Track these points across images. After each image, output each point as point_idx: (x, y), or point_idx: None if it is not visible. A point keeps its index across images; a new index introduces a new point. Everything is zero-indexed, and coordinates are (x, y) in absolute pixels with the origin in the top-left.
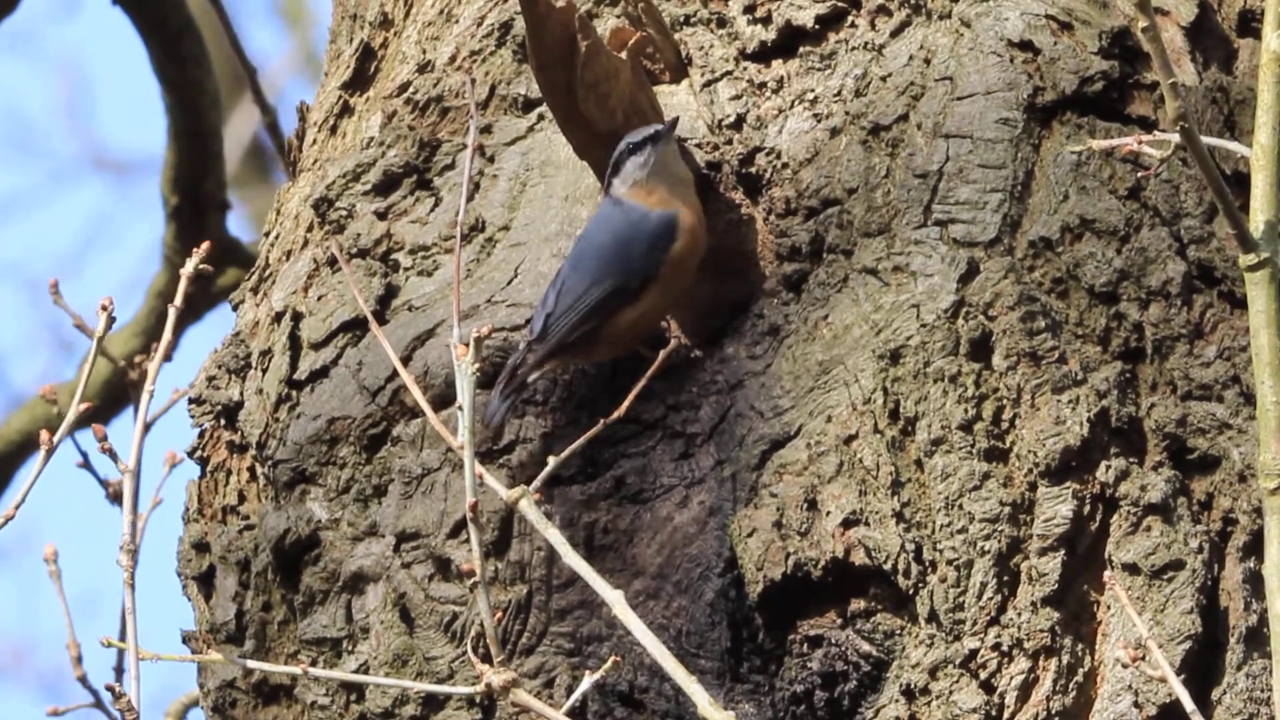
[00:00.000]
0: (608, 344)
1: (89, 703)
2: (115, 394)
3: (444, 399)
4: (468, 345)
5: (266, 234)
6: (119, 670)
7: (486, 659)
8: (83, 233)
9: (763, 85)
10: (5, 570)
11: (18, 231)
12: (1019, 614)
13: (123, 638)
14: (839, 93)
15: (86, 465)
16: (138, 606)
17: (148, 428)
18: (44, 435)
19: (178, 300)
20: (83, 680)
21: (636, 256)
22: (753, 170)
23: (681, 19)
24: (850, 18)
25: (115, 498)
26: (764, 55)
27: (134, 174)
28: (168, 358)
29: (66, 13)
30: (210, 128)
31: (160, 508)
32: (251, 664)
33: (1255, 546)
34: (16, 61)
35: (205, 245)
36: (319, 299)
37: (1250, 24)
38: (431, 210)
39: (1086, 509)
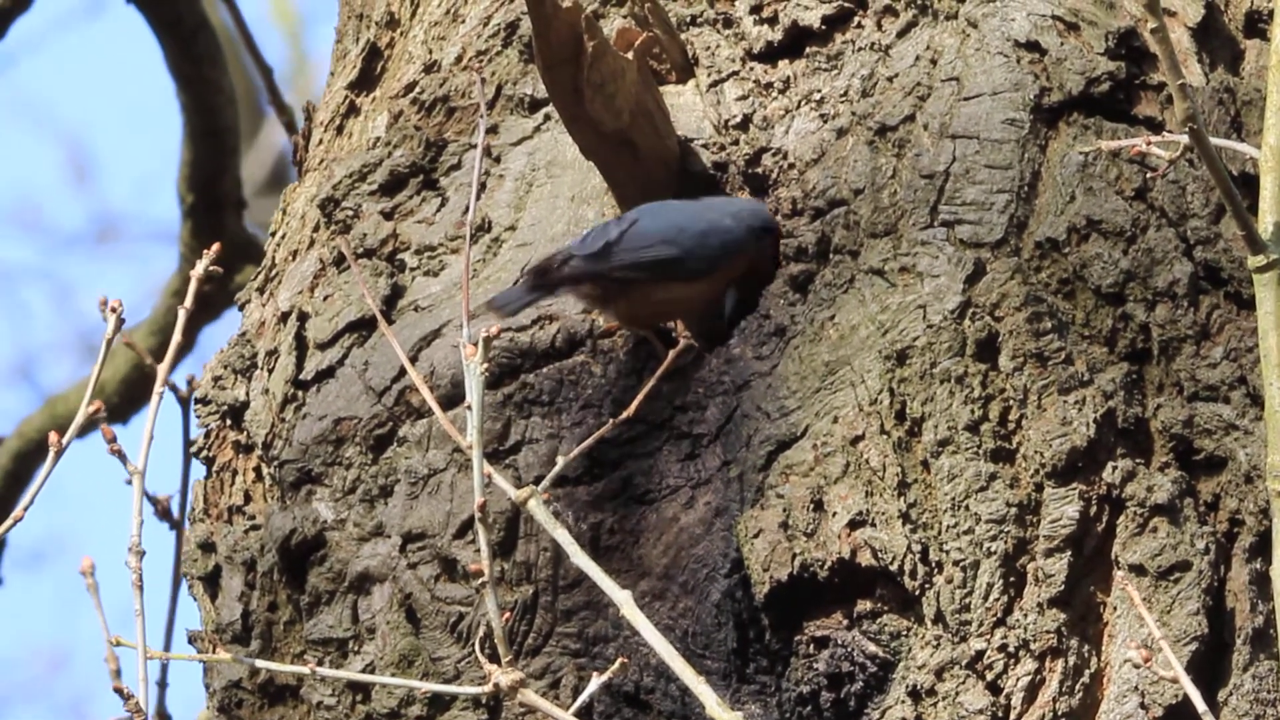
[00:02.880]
0: (630, 306)
1: (125, 717)
2: (135, 392)
3: (450, 399)
4: (476, 345)
5: (273, 234)
6: (161, 684)
7: (493, 659)
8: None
9: (769, 85)
10: (44, 579)
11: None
12: (1025, 615)
13: (167, 646)
14: (845, 93)
15: (144, 495)
16: (174, 620)
17: (193, 450)
18: (53, 436)
19: (188, 301)
20: (120, 692)
21: (714, 244)
22: (759, 171)
23: (688, 19)
24: (857, 18)
25: (164, 514)
26: (770, 55)
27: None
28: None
29: (89, 14)
30: (226, 126)
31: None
32: (258, 663)
33: (1262, 548)
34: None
35: (216, 246)
36: (325, 299)
37: (1257, 25)
38: (438, 210)
39: (1093, 510)
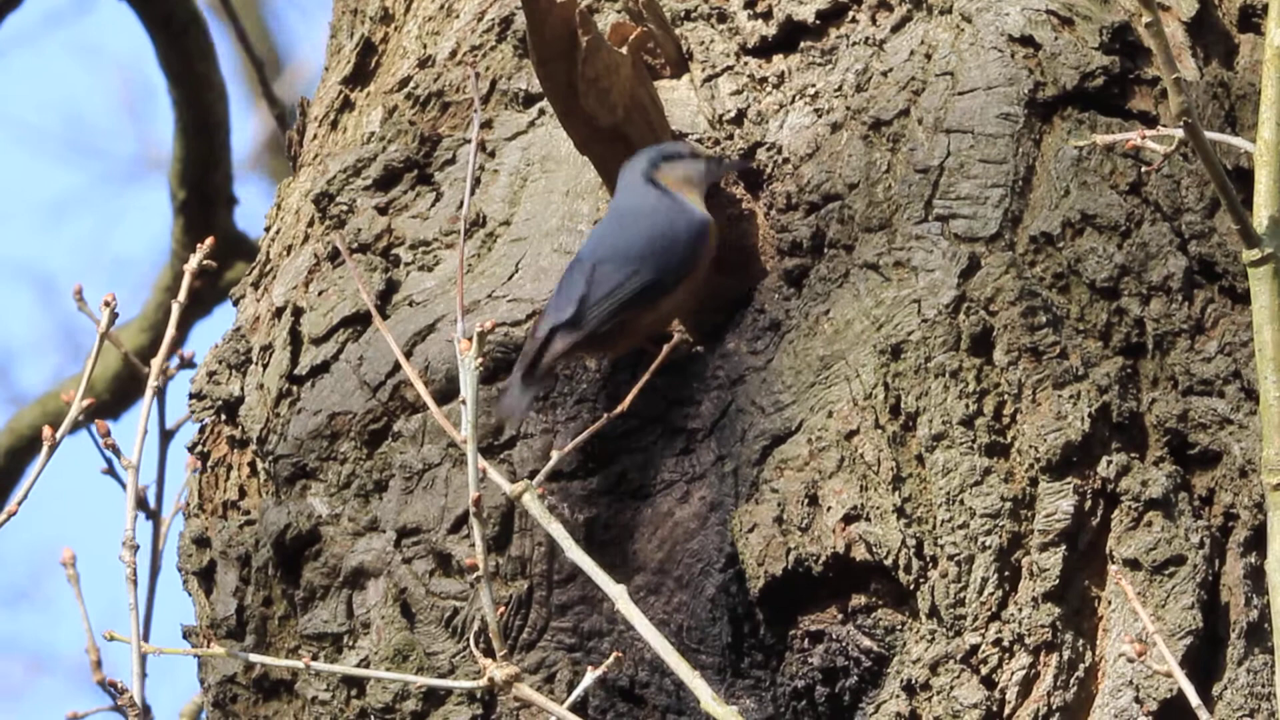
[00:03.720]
0: (631, 336)
1: (108, 706)
2: (124, 388)
3: (444, 394)
4: (471, 340)
5: (267, 229)
6: (140, 675)
7: (488, 654)
8: (93, 229)
9: (764, 80)
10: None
11: (28, 230)
12: (1020, 609)
13: (146, 636)
14: (840, 88)
15: (112, 472)
16: (151, 609)
17: (169, 435)
18: (46, 431)
19: (181, 296)
20: (103, 684)
21: (679, 252)
22: (753, 165)
23: (682, 14)
24: (851, 13)
25: (140, 504)
26: (765, 50)
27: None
28: (184, 362)
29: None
30: (217, 121)
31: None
32: (253, 658)
33: (1256, 541)
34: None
35: (209, 241)
36: (320, 294)
37: (1251, 19)
38: (432, 205)
39: (1088, 504)
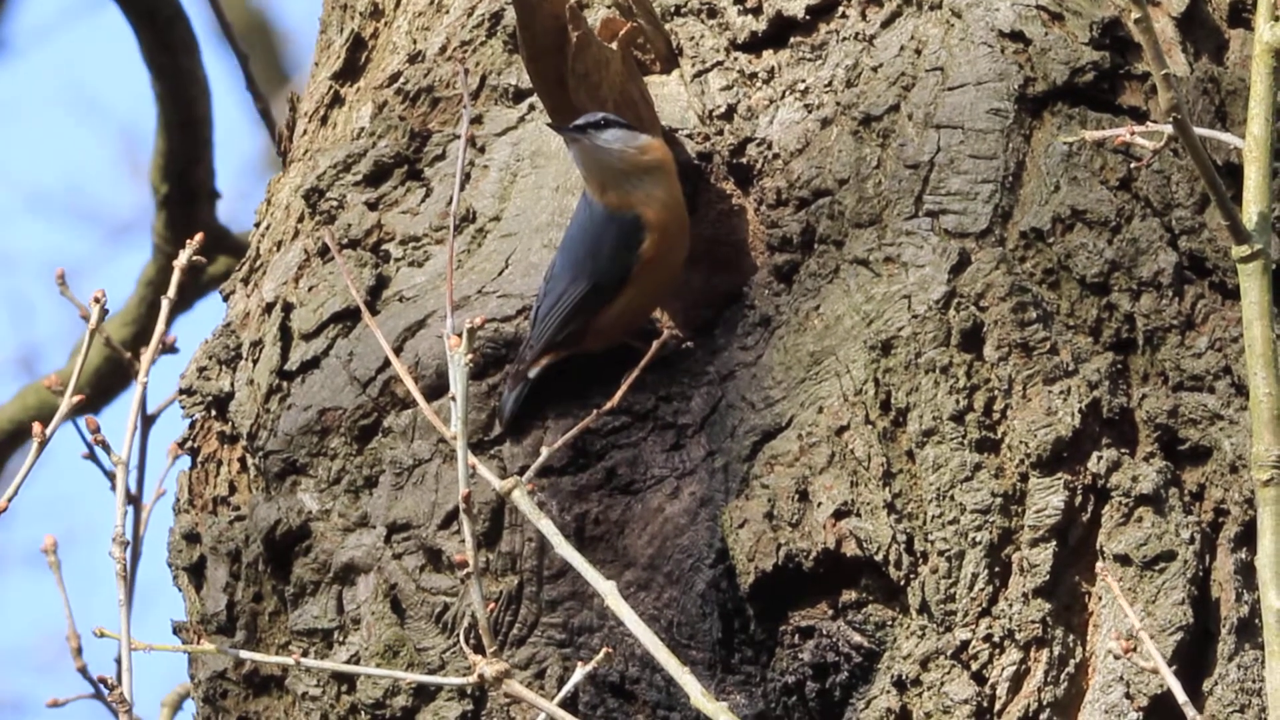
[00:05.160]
0: (595, 338)
1: (89, 694)
2: (107, 384)
3: (435, 390)
4: (460, 336)
5: (257, 224)
6: (119, 660)
7: (478, 650)
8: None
9: (753, 76)
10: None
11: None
12: (1010, 605)
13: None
14: (830, 83)
15: (91, 457)
16: (132, 597)
17: (150, 420)
18: (36, 427)
19: (170, 291)
20: (83, 671)
21: (605, 257)
22: (744, 161)
23: (672, 9)
24: (841, 8)
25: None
26: (755, 46)
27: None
28: (172, 350)
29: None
30: (200, 116)
31: (163, 499)
32: (243, 654)
33: (1247, 537)
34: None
35: (199, 236)
36: (310, 290)
37: (1241, 14)
38: (422, 201)
39: (1078, 500)
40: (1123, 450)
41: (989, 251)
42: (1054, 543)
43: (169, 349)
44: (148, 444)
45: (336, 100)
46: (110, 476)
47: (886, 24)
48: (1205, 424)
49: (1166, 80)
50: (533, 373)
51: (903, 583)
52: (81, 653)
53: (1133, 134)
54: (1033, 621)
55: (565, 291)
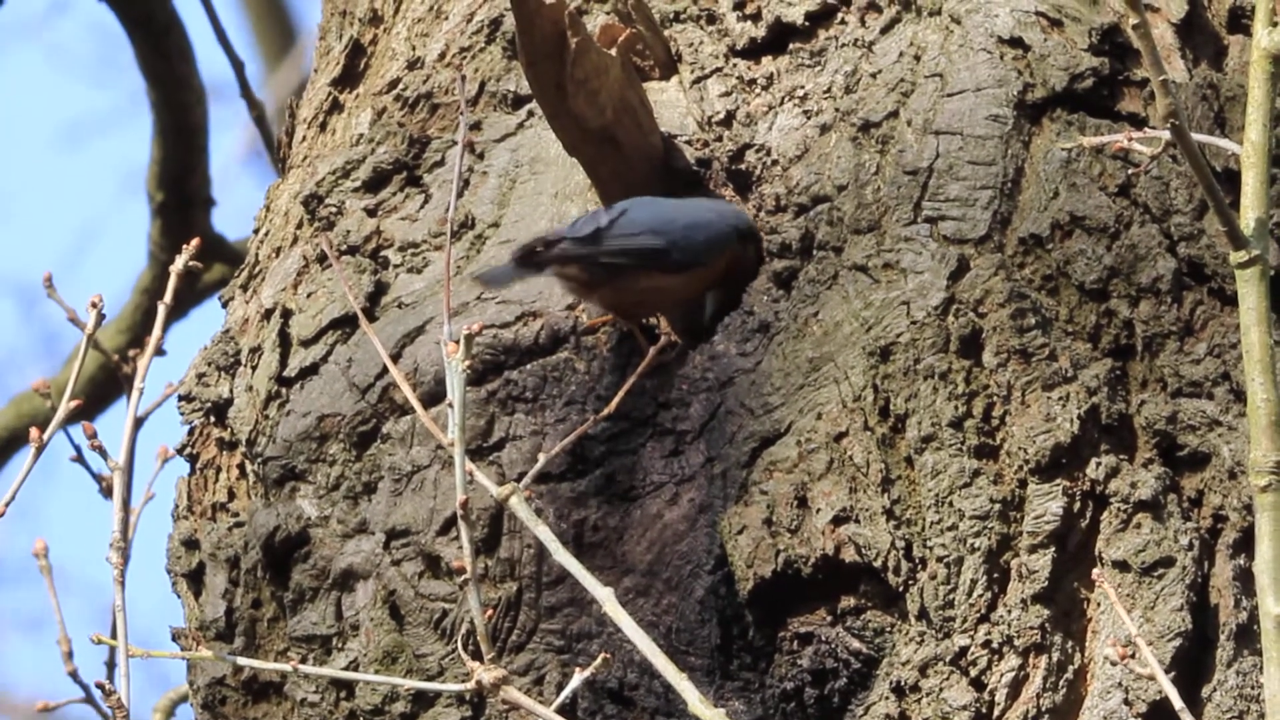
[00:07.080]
0: (615, 294)
1: (80, 698)
2: (101, 391)
3: (433, 396)
4: (458, 342)
5: (256, 231)
6: (110, 665)
7: (476, 656)
8: (71, 232)
9: (753, 82)
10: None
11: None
12: (1009, 611)
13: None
14: (829, 89)
15: (80, 460)
16: (127, 602)
17: (139, 424)
18: (34, 433)
19: (167, 297)
20: (74, 676)
21: (699, 238)
22: (742, 167)
23: (671, 15)
24: (840, 14)
25: (108, 492)
26: (754, 52)
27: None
28: (160, 353)
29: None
30: (196, 124)
31: (152, 503)
32: (242, 661)
33: (1246, 543)
34: None
35: (195, 242)
36: (309, 296)
37: (1240, 20)
38: (421, 207)
39: (1077, 506)
40: (1121, 456)
41: (988, 258)
42: (1053, 549)
43: (158, 351)
44: (135, 445)
45: (335, 106)
46: (101, 481)
47: (885, 30)
48: (1204, 430)
49: (1165, 86)
50: (548, 270)
51: (901, 589)
52: (72, 656)
53: (1131, 140)
54: (1031, 628)
55: (639, 234)
